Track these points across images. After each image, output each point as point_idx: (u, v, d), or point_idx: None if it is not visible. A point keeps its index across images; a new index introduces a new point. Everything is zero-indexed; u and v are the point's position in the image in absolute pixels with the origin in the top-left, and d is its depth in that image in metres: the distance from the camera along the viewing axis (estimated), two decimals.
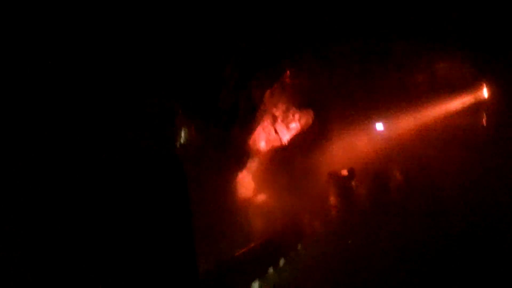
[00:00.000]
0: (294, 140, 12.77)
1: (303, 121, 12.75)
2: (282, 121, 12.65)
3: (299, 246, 11.21)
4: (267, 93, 11.73)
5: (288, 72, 11.99)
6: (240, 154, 11.34)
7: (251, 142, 11.93)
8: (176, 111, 8.30)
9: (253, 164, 12.09)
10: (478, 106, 11.24)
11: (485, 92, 11.18)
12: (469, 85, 11.30)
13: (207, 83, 9.01)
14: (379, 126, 12.69)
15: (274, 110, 12.43)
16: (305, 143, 12.73)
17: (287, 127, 12.71)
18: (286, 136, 12.73)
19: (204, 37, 8.74)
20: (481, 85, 11.22)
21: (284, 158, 12.50)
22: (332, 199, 12.66)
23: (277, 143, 12.66)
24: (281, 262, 10.25)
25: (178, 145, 8.44)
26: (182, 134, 8.51)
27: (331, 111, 12.52)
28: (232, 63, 9.51)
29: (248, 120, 11.21)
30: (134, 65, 7.50)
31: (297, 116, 12.70)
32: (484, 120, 11.08)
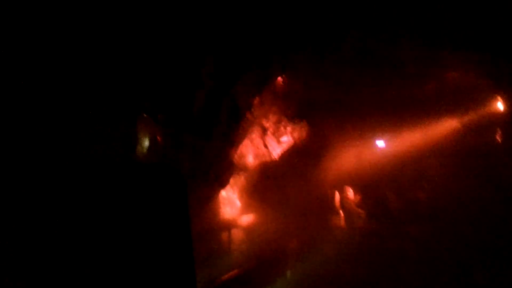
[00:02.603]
0: (285, 155, 11.51)
1: (296, 134, 11.47)
2: (273, 133, 11.39)
3: (289, 274, 10.41)
4: (256, 101, 10.52)
5: (280, 78, 10.77)
6: (222, 168, 10.16)
7: (236, 155, 10.76)
8: (139, 112, 7.21)
9: (238, 181, 10.97)
10: (493, 121, 9.92)
11: (501, 105, 9.86)
12: (484, 97, 10.02)
13: (180, 82, 7.87)
14: (381, 143, 11.37)
15: (264, 121, 11.20)
16: (297, 158, 11.45)
17: (278, 141, 11.44)
18: (276, 151, 11.47)
19: (179, 29, 7.69)
20: (497, 97, 9.92)
21: (274, 175, 11.25)
22: (328, 220, 11.47)
23: (266, 158, 11.42)
24: None
25: (139, 153, 7.31)
26: (145, 140, 7.37)
27: (327, 124, 11.21)
28: (212, 62, 8.35)
29: (232, 130, 10.02)
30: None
31: (289, 128, 11.42)
32: (499, 137, 9.80)
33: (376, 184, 11.14)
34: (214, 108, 8.98)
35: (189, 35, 7.99)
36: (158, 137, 7.59)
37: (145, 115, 7.28)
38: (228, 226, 10.73)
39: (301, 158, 11.38)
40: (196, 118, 8.46)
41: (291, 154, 11.44)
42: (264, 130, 11.29)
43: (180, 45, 7.93)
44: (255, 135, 11.16)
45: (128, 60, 6.93)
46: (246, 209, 10.98)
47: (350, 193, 11.56)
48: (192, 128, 8.39)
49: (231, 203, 10.86)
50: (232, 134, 10.06)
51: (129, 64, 6.95)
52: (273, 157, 11.45)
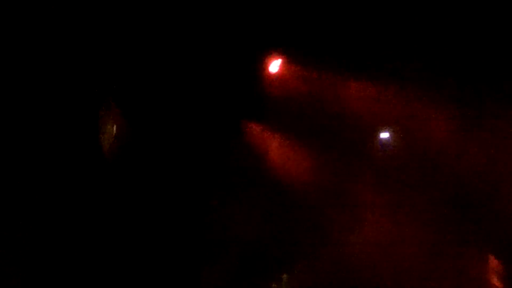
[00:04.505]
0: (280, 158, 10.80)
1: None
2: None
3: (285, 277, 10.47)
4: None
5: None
6: (206, 168, 9.49)
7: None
8: (104, 99, 6.49)
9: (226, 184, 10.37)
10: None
11: None
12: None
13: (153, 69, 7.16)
14: (384, 135, 10.57)
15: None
16: (291, 163, 10.73)
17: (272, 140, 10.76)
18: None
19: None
20: None
21: (267, 180, 10.55)
22: (325, 229, 10.76)
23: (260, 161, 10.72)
24: None
25: (103, 145, 6.61)
26: (111, 130, 6.66)
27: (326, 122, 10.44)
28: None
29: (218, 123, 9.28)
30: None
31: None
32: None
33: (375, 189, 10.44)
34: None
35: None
36: (127, 128, 6.89)
37: (112, 102, 6.59)
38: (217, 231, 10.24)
39: (295, 163, 10.77)
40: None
41: (286, 158, 10.84)
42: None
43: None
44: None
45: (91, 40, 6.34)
46: (235, 214, 10.37)
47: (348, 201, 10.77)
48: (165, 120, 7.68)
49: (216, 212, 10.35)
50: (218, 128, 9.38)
51: (93, 44, 6.34)
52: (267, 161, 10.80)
